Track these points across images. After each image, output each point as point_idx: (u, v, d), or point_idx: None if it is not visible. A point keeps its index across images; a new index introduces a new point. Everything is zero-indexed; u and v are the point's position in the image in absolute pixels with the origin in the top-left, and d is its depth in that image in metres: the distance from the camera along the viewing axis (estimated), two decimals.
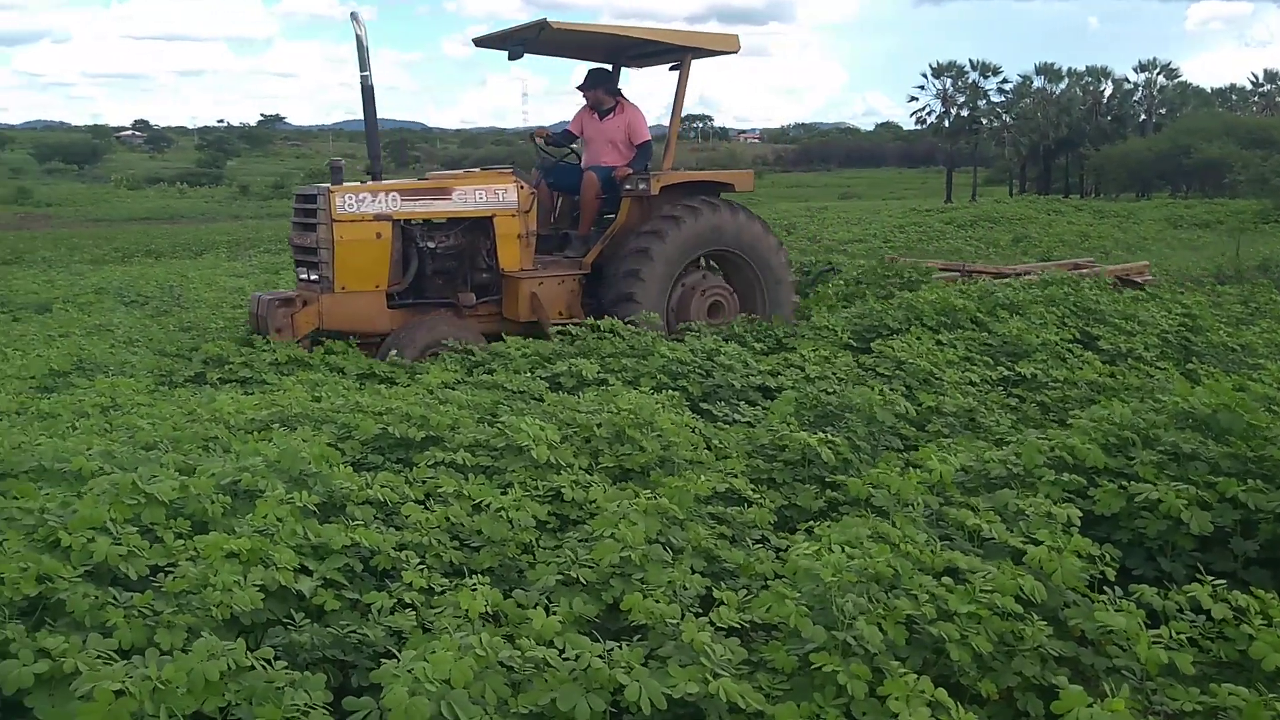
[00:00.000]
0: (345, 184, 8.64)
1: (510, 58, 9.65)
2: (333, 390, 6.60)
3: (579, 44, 10.25)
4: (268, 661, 2.86)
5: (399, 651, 3.03)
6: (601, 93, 9.96)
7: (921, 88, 77.06)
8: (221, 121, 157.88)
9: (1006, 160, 77.76)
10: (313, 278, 8.63)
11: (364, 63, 8.45)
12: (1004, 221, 30.20)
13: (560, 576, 3.66)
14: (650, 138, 9.92)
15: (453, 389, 6.49)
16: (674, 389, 6.50)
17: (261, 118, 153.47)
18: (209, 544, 3.51)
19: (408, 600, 3.62)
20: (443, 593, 3.63)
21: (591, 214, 9.87)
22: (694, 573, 3.79)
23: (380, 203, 8.59)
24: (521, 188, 9.14)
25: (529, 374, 6.93)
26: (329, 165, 9.18)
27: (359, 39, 8.39)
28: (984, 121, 77.61)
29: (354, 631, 3.43)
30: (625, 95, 10.11)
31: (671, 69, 9.93)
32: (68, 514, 3.65)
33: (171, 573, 3.41)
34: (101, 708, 2.50)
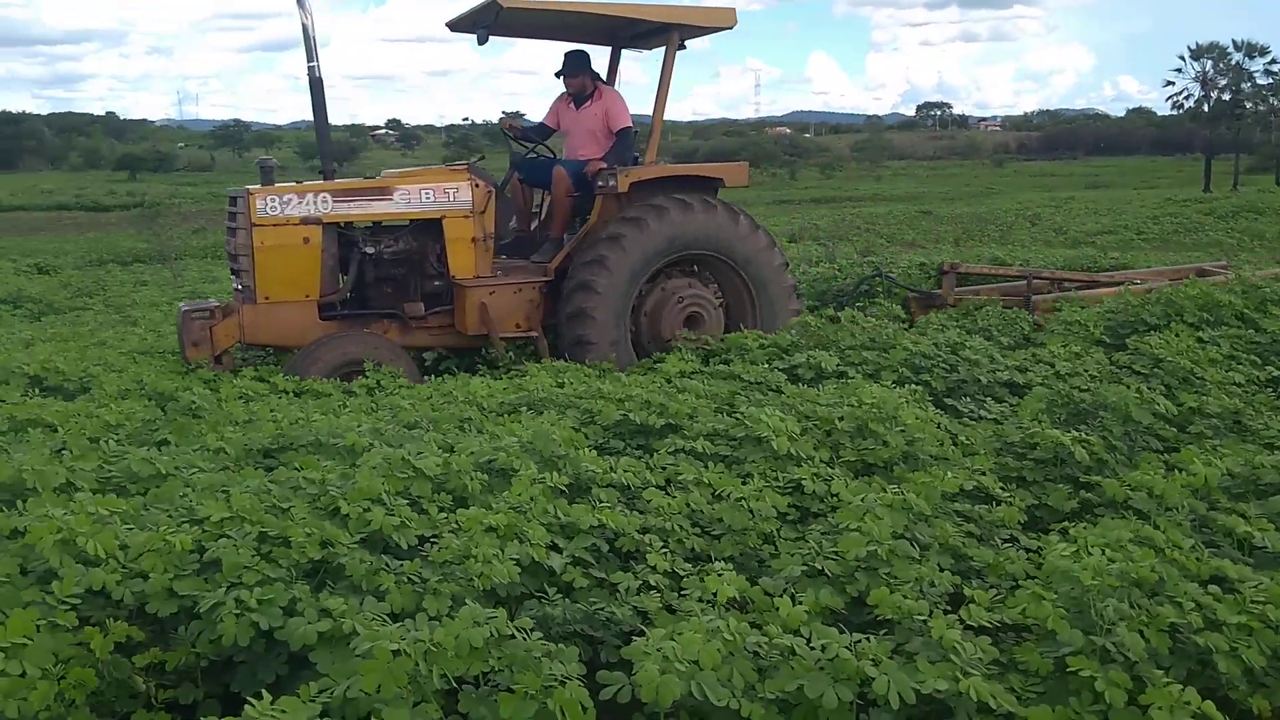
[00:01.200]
0: (276, 185, 8.04)
1: (478, 42, 8.68)
2: (575, 377, 6.82)
3: (547, 24, 9.26)
4: (525, 632, 3.00)
5: (646, 631, 3.11)
6: (585, 79, 9.06)
7: (1179, 70, 72.22)
8: (466, 119, 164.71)
9: (1273, 146, 72.08)
10: (239, 286, 8.10)
11: (311, 53, 7.90)
12: (1270, 213, 28.08)
13: (804, 568, 3.67)
14: (630, 124, 8.99)
15: (690, 378, 6.58)
16: (916, 383, 6.38)
17: (503, 114, 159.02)
18: (470, 518, 3.71)
19: (652, 582, 3.73)
20: (686, 577, 3.70)
21: (564, 213, 8.94)
22: (941, 570, 3.73)
23: (308, 205, 7.87)
24: (476, 186, 8.28)
25: (766, 365, 6.95)
26: (258, 164, 8.44)
27: (305, 28, 7.83)
28: (1248, 105, 72.13)
29: (602, 609, 3.55)
30: (603, 81, 9.32)
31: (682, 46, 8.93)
32: (346, 485, 3.93)
33: (437, 543, 3.63)
34: (380, 665, 2.68)
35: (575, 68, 9.00)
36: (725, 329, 8.65)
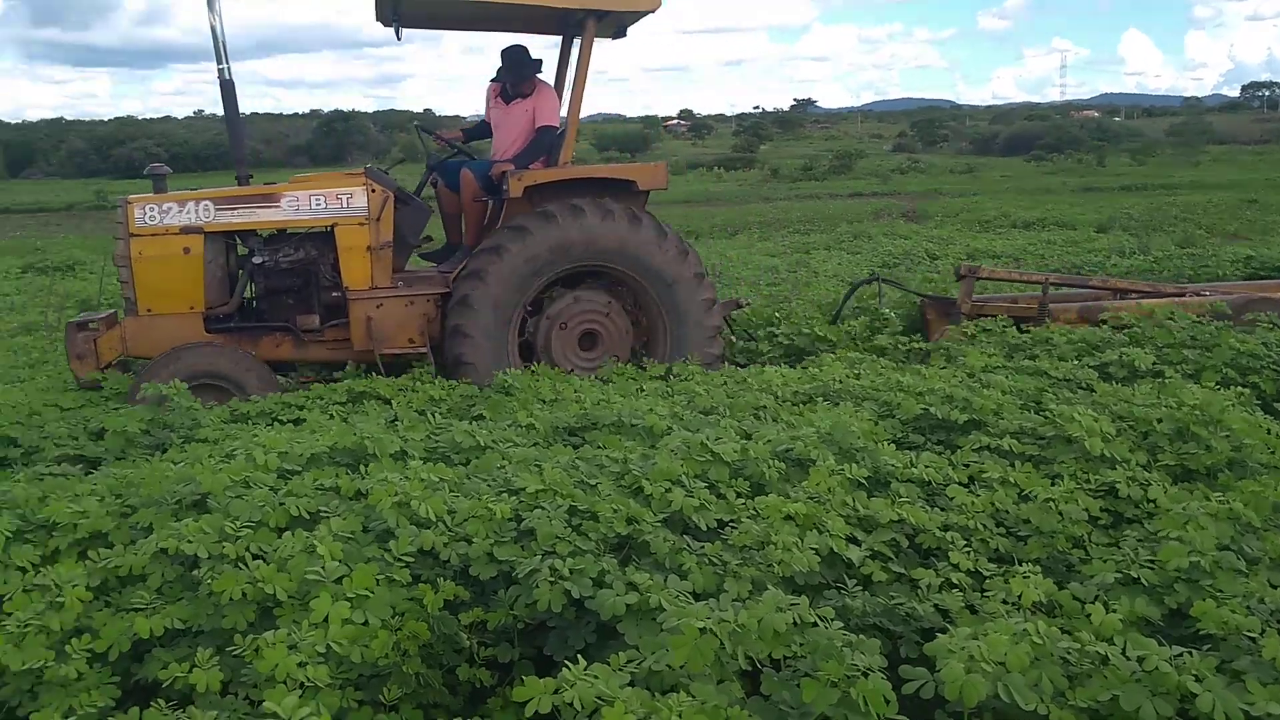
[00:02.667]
0: (160, 194, 7.67)
1: (396, 34, 8.20)
2: (872, 369, 6.75)
3: (459, 16, 8.64)
4: (826, 621, 3.02)
5: (948, 629, 3.06)
6: (522, 75, 8.39)
7: None
8: (757, 108, 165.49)
9: None
10: (125, 297, 7.77)
11: (220, 55, 7.56)
12: None
13: (1119, 575, 3.50)
14: (556, 123, 8.12)
15: (993, 373, 6.37)
16: (1243, 385, 5.91)
17: (794, 102, 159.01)
18: (769, 505, 3.77)
19: (954, 581, 3.65)
20: (990, 577, 3.61)
21: (474, 220, 8.39)
22: (1273, 587, 3.46)
23: (189, 214, 7.55)
24: (373, 191, 7.74)
25: (1075, 361, 6.63)
26: (148, 171, 7.99)
27: (214, 30, 7.49)
28: None
29: (902, 604, 3.52)
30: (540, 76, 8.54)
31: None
32: (647, 465, 4.08)
33: (736, 528, 3.70)
34: (688, 642, 2.77)
35: (514, 68, 8.37)
36: (647, 349, 7.96)
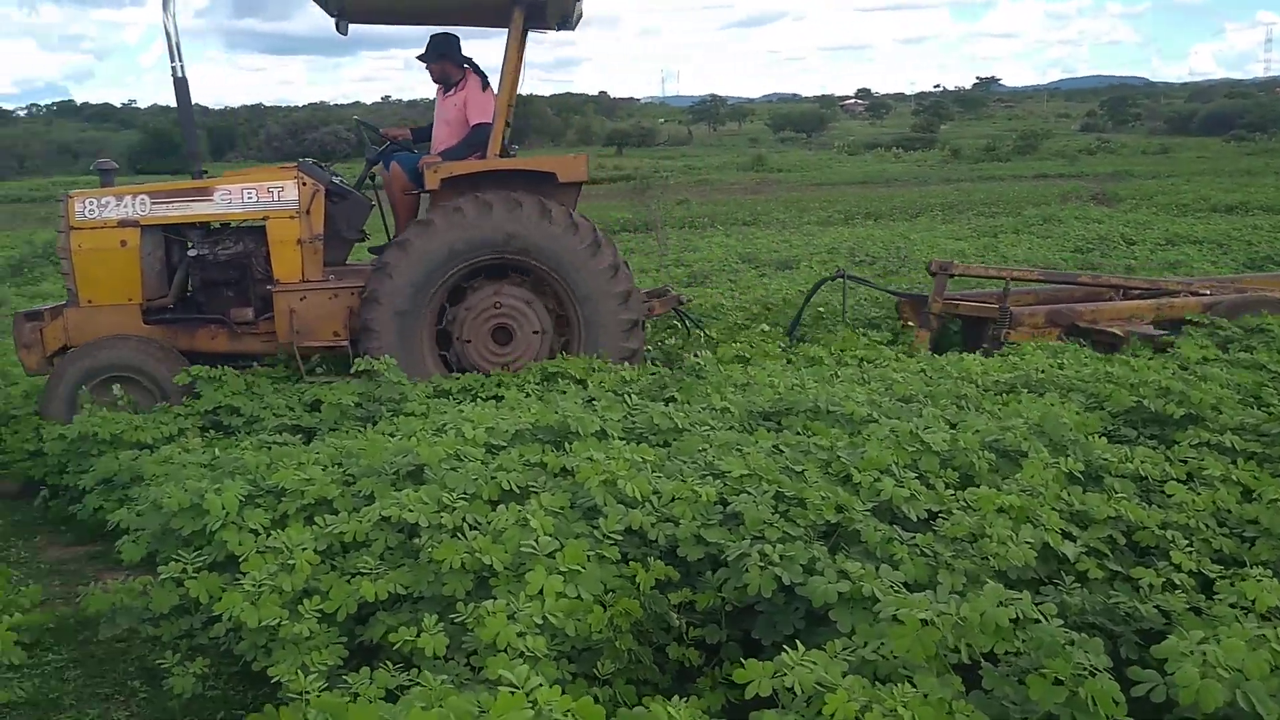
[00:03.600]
0: (99, 189, 7.71)
1: (338, 28, 7.96)
2: (1075, 359, 6.53)
3: (396, 9, 8.39)
4: (1047, 617, 2.94)
5: (1173, 631, 2.94)
6: (448, 65, 8.17)
7: None
8: (938, 87, 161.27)
9: None
10: (68, 289, 7.82)
11: (174, 54, 7.54)
12: None
13: None
14: (489, 119, 7.81)
15: (1208, 365, 6.07)
16: None
17: (976, 81, 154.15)
18: (981, 497, 3.69)
19: (1176, 581, 3.51)
20: (1217, 579, 3.45)
21: (404, 213, 8.23)
22: None
23: (126, 207, 7.59)
24: (303, 184, 7.62)
25: None
26: (95, 167, 8.04)
27: (167, 32, 7.47)
28: None
29: (1122, 603, 3.40)
30: (474, 68, 8.25)
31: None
32: (855, 454, 4.04)
33: (946, 519, 3.63)
34: (910, 632, 2.74)
35: (432, 51, 8.21)
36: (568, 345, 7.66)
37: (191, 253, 7.78)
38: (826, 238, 20.50)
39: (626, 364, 7.15)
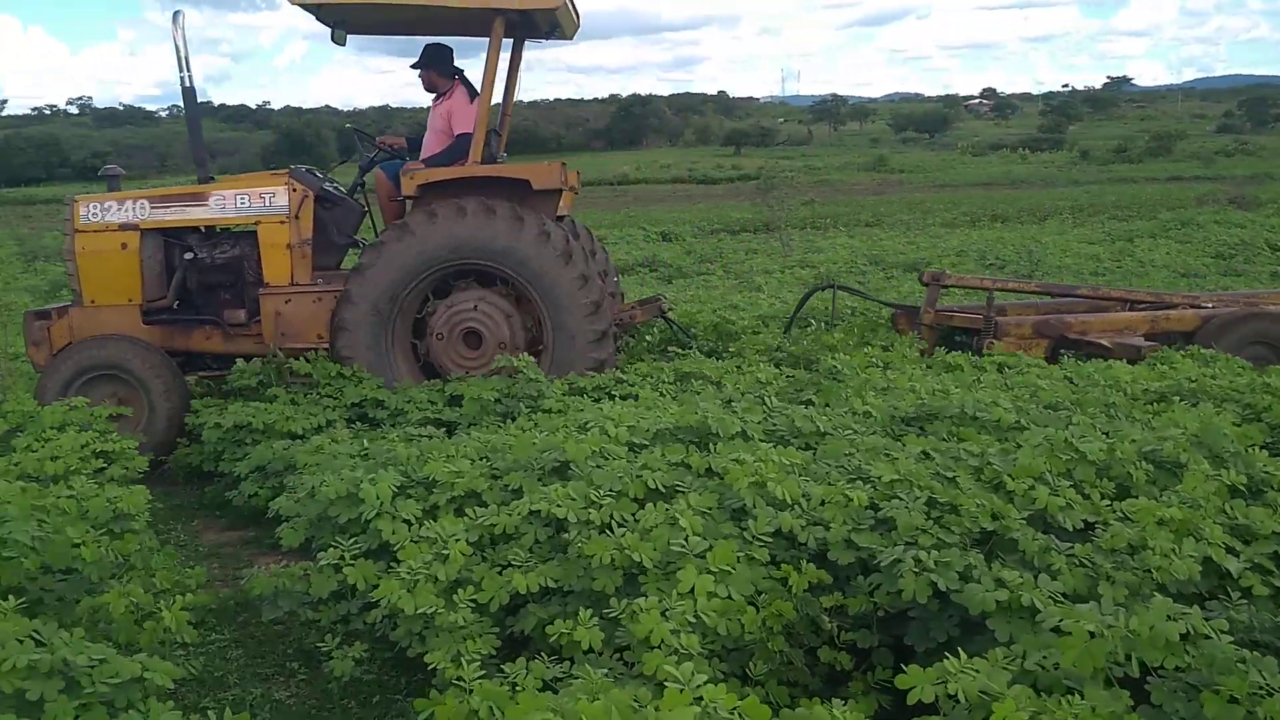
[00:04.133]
0: (105, 194, 7.94)
1: (337, 41, 8.10)
2: (1228, 368, 6.31)
3: (387, 20, 8.23)
4: (1218, 633, 2.86)
5: None
6: (435, 74, 8.23)
7: None
8: (1066, 86, 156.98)
9: None
10: (73, 289, 8.07)
11: (182, 64, 7.69)
12: None
13: None
14: (470, 129, 7.80)
15: None
16: None
17: (1107, 80, 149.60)
18: (1141, 509, 3.60)
19: None
20: None
21: (390, 219, 8.16)
22: None
23: (126, 211, 7.81)
24: (293, 190, 7.78)
25: None
26: (102, 174, 8.28)
27: (176, 46, 7.65)
28: None
29: None
30: (464, 76, 8.26)
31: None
32: (1007, 461, 3.98)
33: (1104, 530, 3.56)
34: (1078, 644, 2.70)
35: (423, 61, 8.30)
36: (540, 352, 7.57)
37: (188, 256, 8.01)
38: (953, 240, 20.17)
39: (593, 374, 7.16)
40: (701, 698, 2.52)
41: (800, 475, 4.04)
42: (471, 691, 2.96)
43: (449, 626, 3.60)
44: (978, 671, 2.69)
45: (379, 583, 3.90)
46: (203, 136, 8.10)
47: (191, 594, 4.17)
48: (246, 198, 7.86)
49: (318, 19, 7.78)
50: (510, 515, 4.04)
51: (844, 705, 2.73)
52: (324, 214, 8.03)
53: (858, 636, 3.44)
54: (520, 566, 3.82)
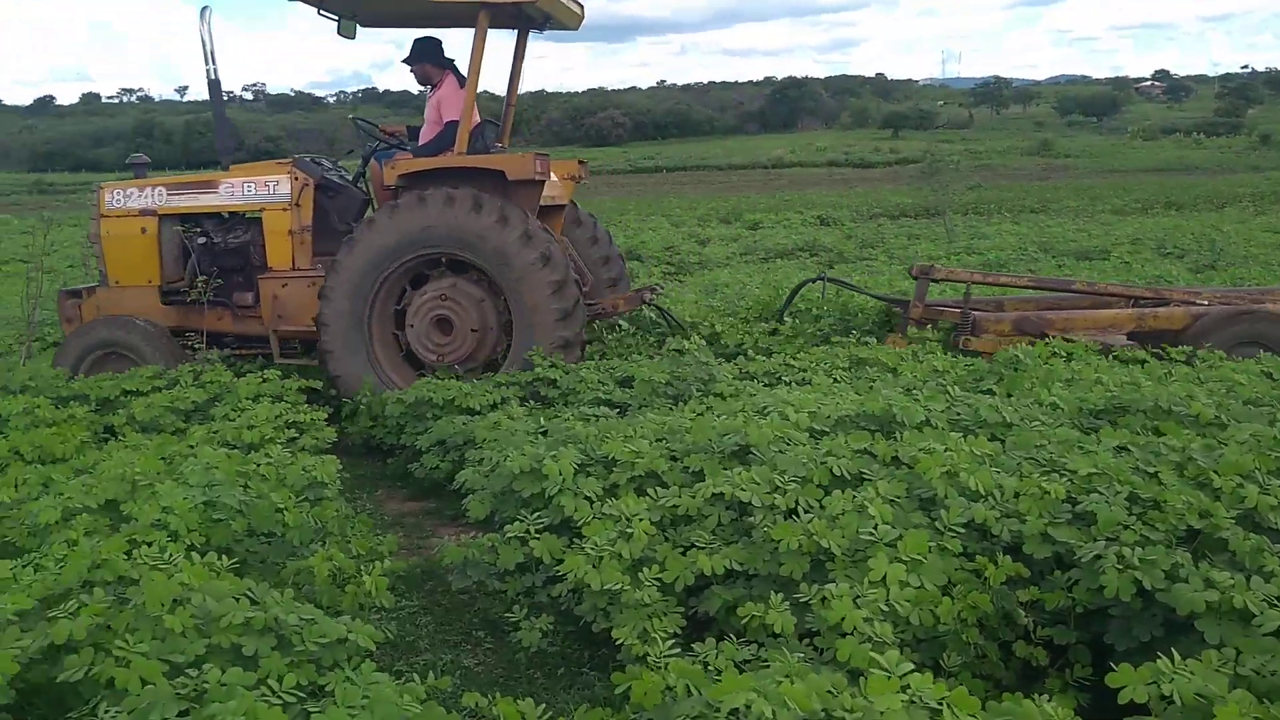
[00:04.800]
0: (129, 181, 8.42)
1: (348, 35, 8.29)
2: None
3: (401, 13, 8.59)
4: None
5: None
6: (428, 66, 8.37)
7: None
8: (1245, 68, 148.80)
9: None
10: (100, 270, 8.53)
11: (208, 59, 8.04)
12: None
13: None
14: (458, 117, 7.82)
15: None
16: None
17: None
18: None
19: None
20: None
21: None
22: None
23: (146, 198, 8.25)
24: (295, 179, 8.07)
25: None
26: (129, 162, 8.72)
27: (203, 40, 8.00)
28: None
29: None
30: (453, 68, 8.34)
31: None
32: (1212, 457, 3.82)
33: None
34: None
35: (414, 55, 8.43)
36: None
37: (201, 241, 8.43)
38: (1126, 227, 19.40)
39: (561, 354, 7.25)
40: (909, 685, 2.50)
41: (990, 466, 3.95)
42: (667, 668, 3.00)
43: (634, 604, 3.66)
44: (1193, 673, 2.60)
45: (564, 557, 3.99)
46: (229, 126, 8.69)
47: (387, 561, 4.34)
48: (252, 185, 8.26)
49: (320, 12, 8.10)
50: (693, 497, 4.08)
51: (1048, 700, 2.67)
52: (326, 202, 8.36)
53: (1054, 633, 3.36)
54: (704, 548, 3.85)
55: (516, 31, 8.63)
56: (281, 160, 8.54)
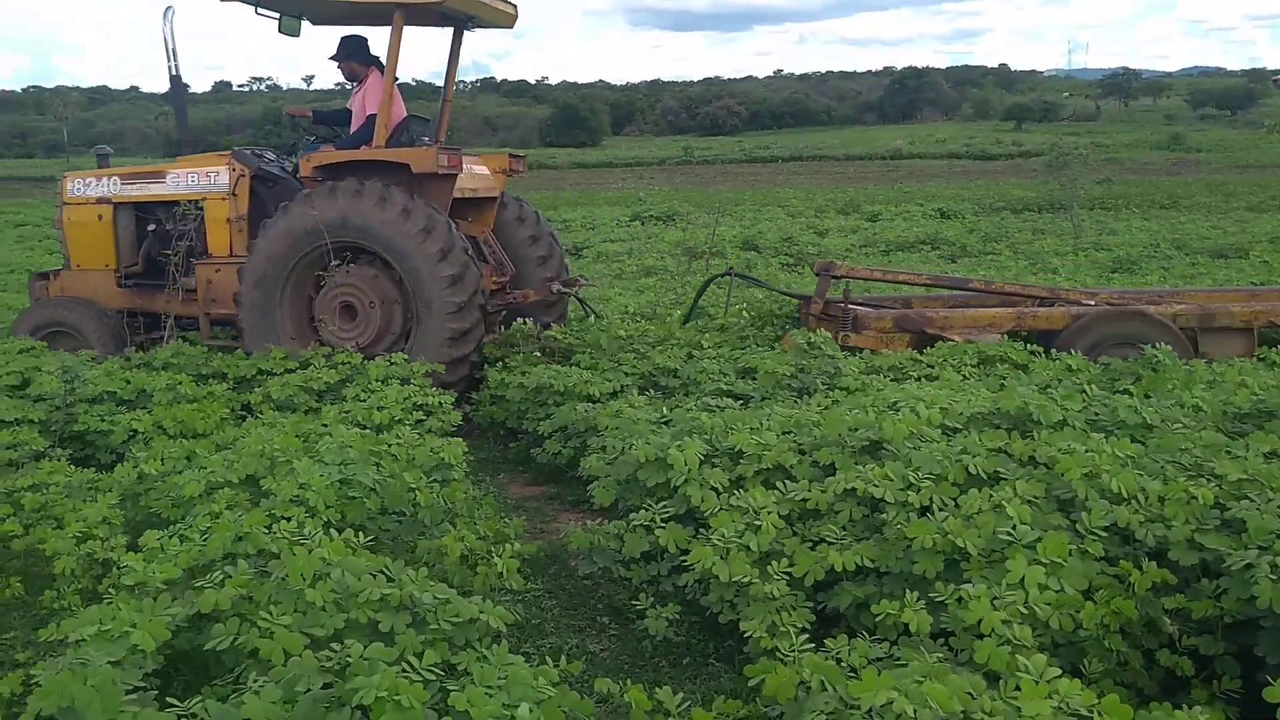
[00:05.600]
0: (90, 170, 9.02)
1: (290, 32, 8.61)
2: None
3: (296, 10, 8.58)
4: None
5: None
6: (354, 64, 8.67)
7: None
8: None
9: None
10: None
11: (170, 56, 8.72)
12: None
13: None
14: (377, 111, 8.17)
15: None
16: None
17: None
18: None
19: None
20: None
21: None
22: None
23: (103, 187, 8.81)
24: (233, 170, 8.54)
25: None
26: (94, 152, 9.33)
27: (164, 35, 8.58)
28: None
29: None
30: (378, 65, 8.54)
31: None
32: None
33: None
34: None
35: (340, 52, 8.69)
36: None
37: (151, 228, 8.86)
38: (1264, 225, 18.61)
39: (451, 347, 7.52)
40: (1058, 690, 2.44)
41: (1133, 469, 3.83)
42: (800, 663, 2.98)
43: (763, 597, 3.64)
44: None
45: (689, 547, 3.99)
46: (188, 121, 9.49)
47: (516, 543, 4.41)
48: (195, 176, 8.72)
49: (257, 11, 8.36)
50: (823, 492, 4.04)
51: (1199, 711, 2.59)
52: (264, 191, 8.70)
53: (1200, 642, 3.24)
54: (834, 543, 3.81)
55: (451, 31, 8.96)
56: (222, 152, 8.98)
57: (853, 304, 7.90)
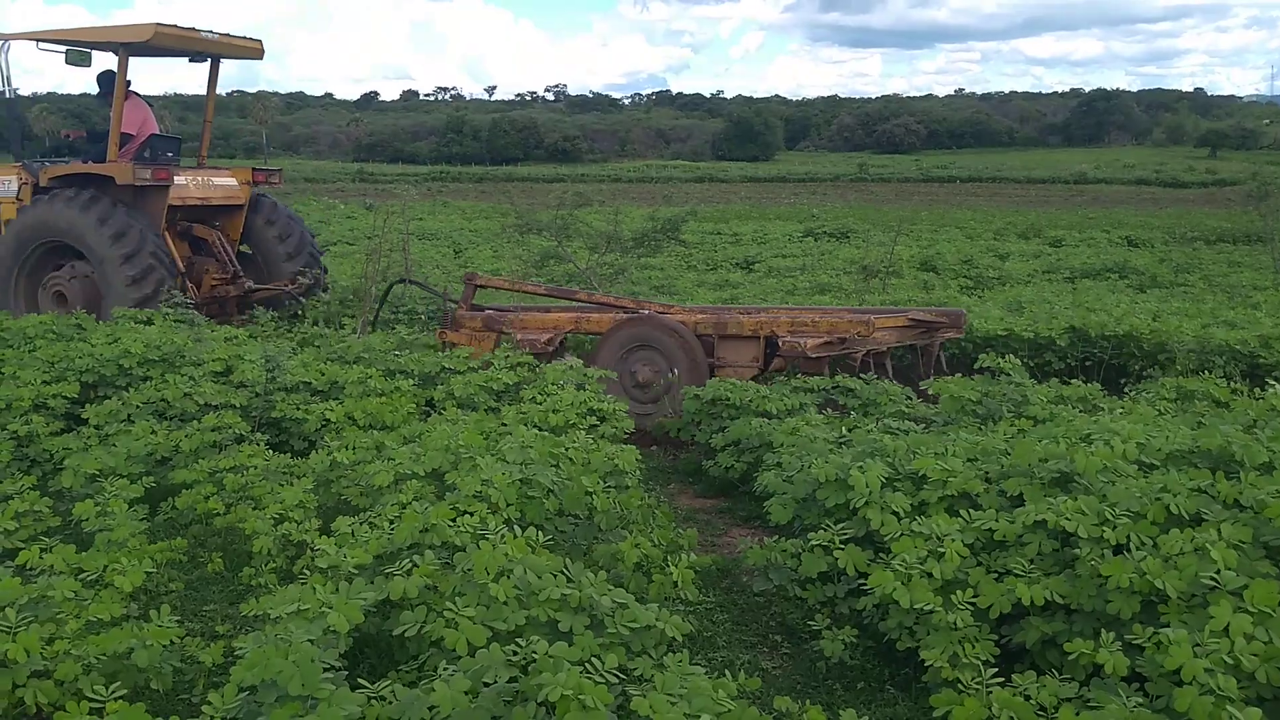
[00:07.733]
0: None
1: (78, 64, 9.81)
2: None
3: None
4: None
5: None
6: (109, 95, 9.94)
7: None
8: None
9: None
10: None
11: (4, 83, 10.31)
12: None
13: None
14: (132, 130, 10.07)
15: None
16: None
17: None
18: None
19: None
20: None
21: None
22: None
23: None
24: (21, 178, 10.22)
25: None
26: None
27: (1, 64, 10.14)
28: None
29: None
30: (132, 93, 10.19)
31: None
32: None
33: None
34: None
35: (100, 85, 10.32)
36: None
37: None
38: None
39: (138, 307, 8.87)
40: None
41: None
42: (989, 696, 2.90)
43: (945, 626, 3.55)
44: None
45: (869, 570, 3.93)
46: (21, 139, 11.09)
47: (691, 554, 4.41)
48: (4, 183, 10.45)
49: (38, 46, 9.94)
50: (1011, 522, 3.92)
51: None
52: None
53: None
54: (1022, 576, 3.69)
55: (209, 61, 10.56)
56: (14, 164, 10.54)
57: (481, 309, 8.95)
